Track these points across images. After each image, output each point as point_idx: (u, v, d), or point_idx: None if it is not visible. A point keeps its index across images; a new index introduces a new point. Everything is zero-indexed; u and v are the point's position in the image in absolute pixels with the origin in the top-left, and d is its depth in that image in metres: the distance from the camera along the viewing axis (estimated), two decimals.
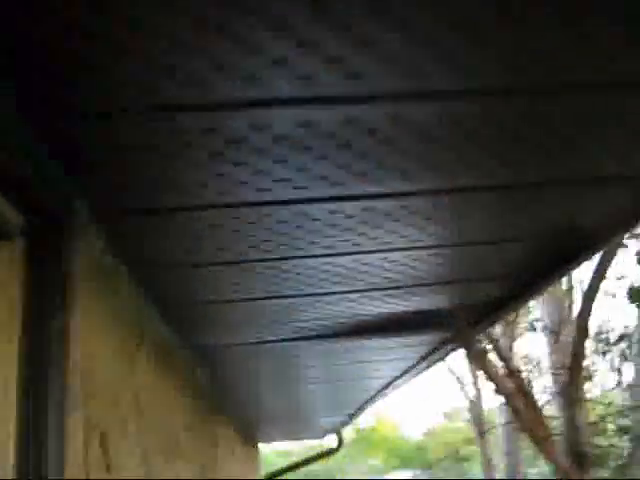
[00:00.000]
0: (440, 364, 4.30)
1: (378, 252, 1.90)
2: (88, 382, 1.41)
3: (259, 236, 1.69)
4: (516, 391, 3.17)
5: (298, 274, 2.01)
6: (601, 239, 2.06)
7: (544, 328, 7.36)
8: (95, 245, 1.51)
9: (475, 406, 13.90)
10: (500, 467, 13.42)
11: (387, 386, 4.71)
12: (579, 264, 2.28)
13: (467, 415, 17.00)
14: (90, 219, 1.45)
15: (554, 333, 7.40)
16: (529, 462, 15.56)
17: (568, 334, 7.90)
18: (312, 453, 10.18)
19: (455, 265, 2.10)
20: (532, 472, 15.51)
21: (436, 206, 1.62)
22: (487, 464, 13.27)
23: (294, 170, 1.38)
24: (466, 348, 3.01)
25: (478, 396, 14.00)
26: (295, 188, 1.45)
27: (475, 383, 14.13)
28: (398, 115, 1.23)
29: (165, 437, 2.31)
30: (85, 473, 1.35)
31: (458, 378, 14.52)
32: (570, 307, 8.54)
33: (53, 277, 1.16)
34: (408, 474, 38.32)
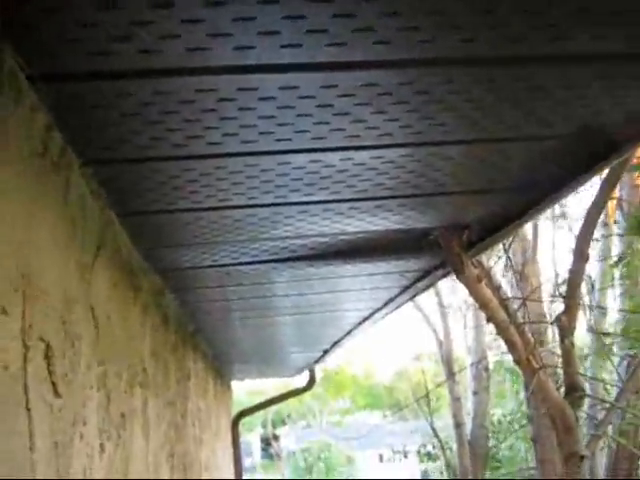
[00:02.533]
0: (408, 304, 4.10)
1: (370, 148, 1.64)
2: (28, 283, 1.15)
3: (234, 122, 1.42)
4: (509, 321, 2.96)
5: (276, 175, 1.74)
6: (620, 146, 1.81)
7: (507, 266, 7.25)
8: (34, 118, 1.23)
9: (444, 346, 13.92)
10: (467, 406, 13.53)
11: (366, 319, 4.52)
12: (587, 178, 2.04)
13: (436, 356, 17.06)
14: (29, 86, 1.17)
15: (517, 272, 7.30)
16: (495, 402, 15.77)
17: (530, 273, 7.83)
18: (283, 392, 10.15)
19: (452, 170, 1.84)
20: (497, 412, 15.73)
21: (435, 85, 1.36)
22: (454, 404, 13.34)
23: None
24: (457, 274, 2.78)
25: (447, 336, 14.02)
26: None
27: (444, 323, 14.14)
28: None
29: (128, 362, 2.06)
30: (23, 388, 1.10)
31: (427, 318, 14.51)
32: (535, 247, 8.44)
33: None
34: (377, 415, 38.97)
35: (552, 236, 12.37)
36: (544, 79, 1.36)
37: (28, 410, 1.11)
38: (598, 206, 3.58)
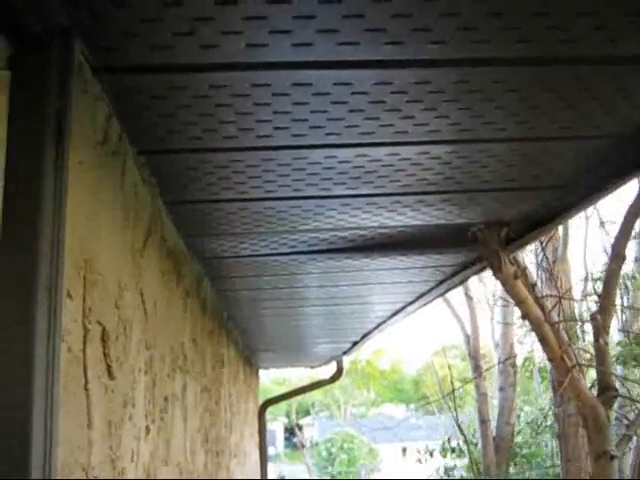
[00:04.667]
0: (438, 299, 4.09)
1: (417, 144, 1.66)
2: (88, 268, 1.20)
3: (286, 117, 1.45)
4: (543, 319, 2.96)
5: (322, 168, 1.77)
6: None
7: (538, 265, 7.20)
8: (98, 107, 1.27)
9: (471, 341, 13.85)
10: (494, 402, 13.47)
11: (398, 312, 4.53)
12: (630, 179, 2.04)
13: (463, 351, 16.94)
14: (94, 75, 1.21)
15: (547, 270, 7.24)
16: (522, 398, 15.66)
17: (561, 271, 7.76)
18: (308, 382, 10.17)
19: (498, 168, 1.86)
20: (526, 408, 15.61)
21: (488, 84, 1.38)
22: (480, 399, 13.28)
23: None
24: (494, 270, 2.78)
25: (475, 330, 13.93)
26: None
27: (472, 317, 14.06)
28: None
29: (171, 347, 2.11)
30: (83, 369, 1.14)
31: (454, 311, 14.43)
32: (565, 245, 8.36)
33: (41, 125, 0.92)
34: (402, 408, 38.93)
35: (584, 235, 12.27)
36: (596, 80, 1.37)
37: (87, 390, 1.16)
38: (637, 207, 3.57)
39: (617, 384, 3.97)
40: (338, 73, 1.27)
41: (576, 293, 8.26)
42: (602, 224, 8.29)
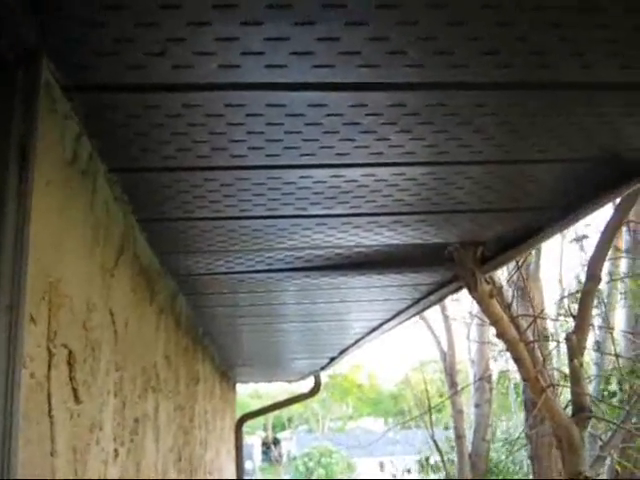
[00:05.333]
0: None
1: (392, 165, 1.65)
2: (54, 291, 1.17)
3: (260, 137, 1.44)
4: (518, 338, 2.96)
5: (297, 187, 1.75)
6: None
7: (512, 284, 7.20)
8: (67, 125, 1.24)
9: (448, 357, 13.87)
10: (470, 418, 13.49)
11: (375, 329, 4.52)
12: (607, 201, 2.04)
13: (439, 367, 16.94)
14: (63, 94, 1.19)
15: (521, 289, 7.24)
16: (497, 415, 15.69)
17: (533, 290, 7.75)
18: (285, 396, 10.12)
19: (474, 189, 1.85)
20: (500, 424, 15.65)
21: (465, 107, 1.37)
22: (456, 415, 13.29)
23: None
24: (470, 289, 2.78)
25: (451, 347, 13.97)
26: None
27: (448, 334, 14.10)
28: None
29: (142, 367, 2.08)
30: (47, 395, 1.11)
31: (431, 328, 14.46)
32: (537, 265, 8.36)
33: (4, 146, 0.90)
34: (379, 422, 38.87)
35: (560, 251, 12.34)
36: (574, 105, 1.37)
37: (51, 417, 1.13)
38: (613, 228, 3.58)
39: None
40: (312, 95, 1.26)
41: (551, 311, 8.28)
42: (577, 240, 8.33)
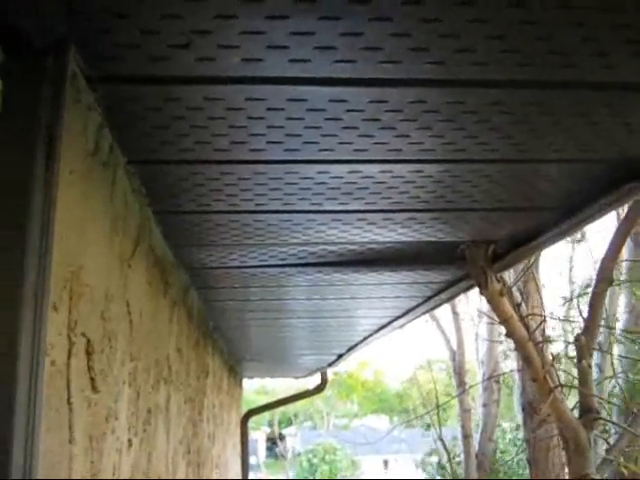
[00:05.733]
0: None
1: (410, 162, 1.65)
2: (75, 280, 1.18)
3: (280, 131, 1.44)
4: (528, 338, 2.96)
5: (314, 183, 1.76)
6: None
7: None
8: (90, 116, 1.25)
9: (456, 356, 13.85)
10: (476, 418, 13.47)
11: (384, 326, 4.52)
12: (621, 202, 2.04)
13: (448, 365, 16.93)
14: (87, 85, 1.20)
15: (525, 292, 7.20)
16: (504, 415, 15.68)
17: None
18: (292, 392, 10.13)
19: (489, 187, 1.85)
20: (505, 425, 15.64)
21: (484, 105, 1.37)
22: (464, 415, 13.28)
23: None
24: (481, 287, 2.78)
25: (460, 346, 13.94)
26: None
27: (458, 332, 14.07)
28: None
29: (156, 358, 2.09)
30: (66, 383, 1.12)
31: (440, 326, 14.44)
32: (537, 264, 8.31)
33: (32, 134, 0.91)
34: (384, 420, 38.86)
35: (570, 255, 12.33)
36: (593, 105, 1.37)
37: (69, 404, 1.14)
38: (625, 230, 3.57)
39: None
40: (333, 90, 1.27)
41: (557, 311, 8.27)
42: (578, 241, 8.29)
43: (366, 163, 1.64)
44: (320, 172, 1.68)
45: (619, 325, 7.12)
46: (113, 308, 1.47)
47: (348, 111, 1.35)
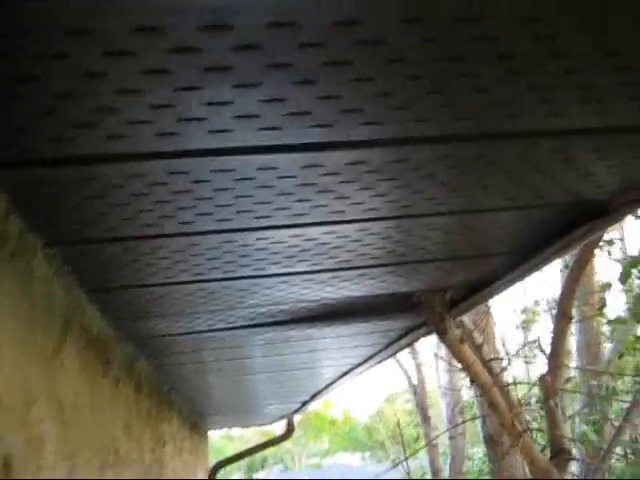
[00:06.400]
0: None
1: (354, 222, 1.55)
2: None
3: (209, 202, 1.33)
4: (492, 382, 2.86)
5: (254, 249, 1.64)
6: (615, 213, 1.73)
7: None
8: None
9: (418, 391, 13.80)
10: (443, 450, 13.40)
11: (346, 374, 4.40)
12: (575, 244, 1.95)
13: (410, 397, 16.86)
14: None
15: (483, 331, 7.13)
16: (474, 442, 15.59)
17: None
18: (260, 437, 9.93)
19: (440, 239, 1.76)
20: (474, 451, 15.57)
21: (427, 161, 1.28)
22: (431, 449, 13.18)
23: None
24: (439, 334, 2.68)
25: (421, 381, 13.91)
26: None
27: (418, 368, 14.04)
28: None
29: (100, 445, 1.93)
30: None
31: (399, 362, 14.39)
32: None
33: None
34: (356, 456, 38.47)
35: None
36: (540, 153, 1.28)
37: None
38: (580, 266, 3.51)
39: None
40: (261, 158, 1.16)
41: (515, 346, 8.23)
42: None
43: (307, 226, 1.53)
44: (259, 238, 1.57)
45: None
46: (37, 410, 1.32)
47: (279, 178, 1.24)
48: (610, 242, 6.80)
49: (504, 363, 3.30)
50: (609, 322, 6.10)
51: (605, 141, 1.28)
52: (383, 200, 1.41)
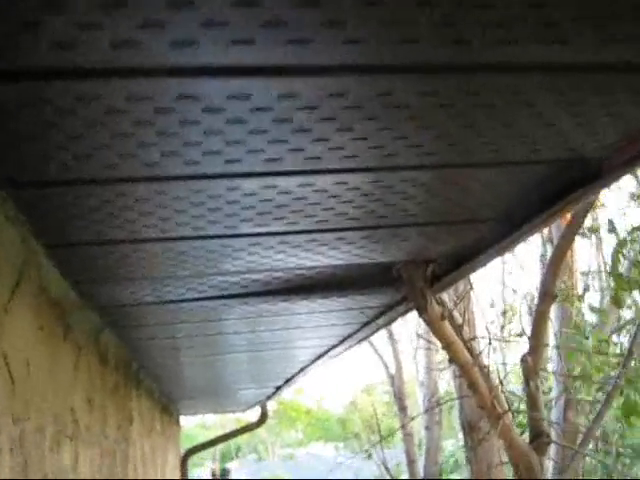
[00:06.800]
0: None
1: (333, 172, 1.43)
2: None
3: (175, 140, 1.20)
4: (473, 362, 2.76)
5: (225, 202, 1.52)
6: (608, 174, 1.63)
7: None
8: None
9: (395, 380, 13.71)
10: (419, 439, 13.33)
11: (321, 356, 4.29)
12: (564, 210, 1.85)
13: (387, 389, 16.77)
14: None
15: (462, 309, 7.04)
16: (447, 434, 15.59)
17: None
18: (234, 425, 9.83)
19: (425, 198, 1.65)
20: (448, 443, 15.57)
21: (414, 96, 1.16)
22: (407, 439, 13.11)
23: None
24: (420, 311, 2.58)
25: (398, 370, 13.82)
26: None
27: (396, 356, 13.94)
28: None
29: (54, 413, 1.81)
30: None
31: (377, 350, 14.29)
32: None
33: None
34: (330, 447, 38.46)
35: (501, 272, 12.33)
36: (541, 92, 1.17)
37: None
38: (565, 243, 3.43)
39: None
40: (232, 83, 1.04)
41: (494, 331, 8.15)
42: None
43: (281, 175, 1.41)
44: (230, 188, 1.44)
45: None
46: None
47: (253, 110, 1.12)
48: (594, 229, 6.75)
49: (486, 345, 3.21)
50: (592, 309, 6.05)
51: (605, 81, 1.17)
52: (364, 145, 1.29)
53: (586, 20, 0.97)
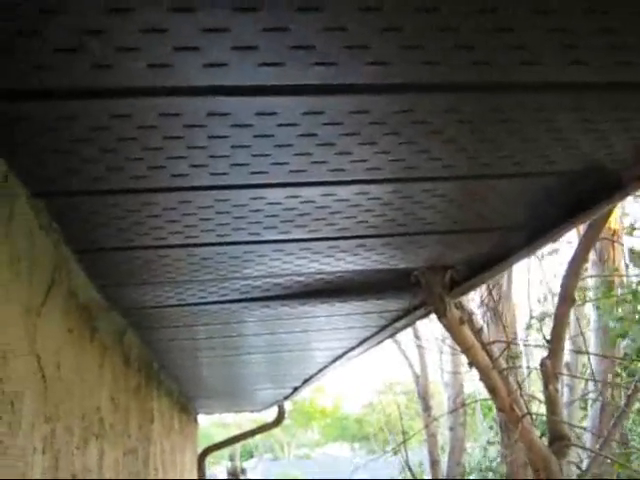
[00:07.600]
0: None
1: (355, 184, 1.47)
2: None
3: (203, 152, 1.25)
4: (491, 366, 2.79)
5: (249, 210, 1.57)
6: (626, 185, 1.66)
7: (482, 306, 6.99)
8: None
9: (421, 380, 13.68)
10: (442, 440, 13.29)
11: (339, 357, 4.33)
12: (584, 219, 1.88)
13: (409, 388, 16.74)
14: None
15: (493, 311, 7.07)
16: (471, 437, 15.51)
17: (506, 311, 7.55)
18: (250, 424, 9.88)
19: (443, 208, 1.68)
20: (474, 446, 15.47)
21: (435, 114, 1.20)
22: (430, 440, 13.08)
23: None
24: (439, 315, 2.61)
25: (424, 370, 13.78)
26: None
27: (421, 356, 13.91)
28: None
29: (82, 413, 1.86)
30: None
31: (403, 351, 14.26)
32: (509, 285, 8.19)
33: None
34: (346, 447, 38.48)
35: (527, 268, 12.27)
36: (557, 110, 1.21)
37: None
38: (586, 246, 3.44)
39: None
40: (260, 100, 1.08)
41: (523, 334, 8.16)
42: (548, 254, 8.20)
43: (305, 186, 1.45)
44: (254, 198, 1.49)
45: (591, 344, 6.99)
46: (14, 365, 1.25)
47: (279, 125, 1.16)
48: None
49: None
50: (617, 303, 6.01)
51: (624, 99, 1.21)
52: (386, 158, 1.33)
53: (603, 43, 1.01)
